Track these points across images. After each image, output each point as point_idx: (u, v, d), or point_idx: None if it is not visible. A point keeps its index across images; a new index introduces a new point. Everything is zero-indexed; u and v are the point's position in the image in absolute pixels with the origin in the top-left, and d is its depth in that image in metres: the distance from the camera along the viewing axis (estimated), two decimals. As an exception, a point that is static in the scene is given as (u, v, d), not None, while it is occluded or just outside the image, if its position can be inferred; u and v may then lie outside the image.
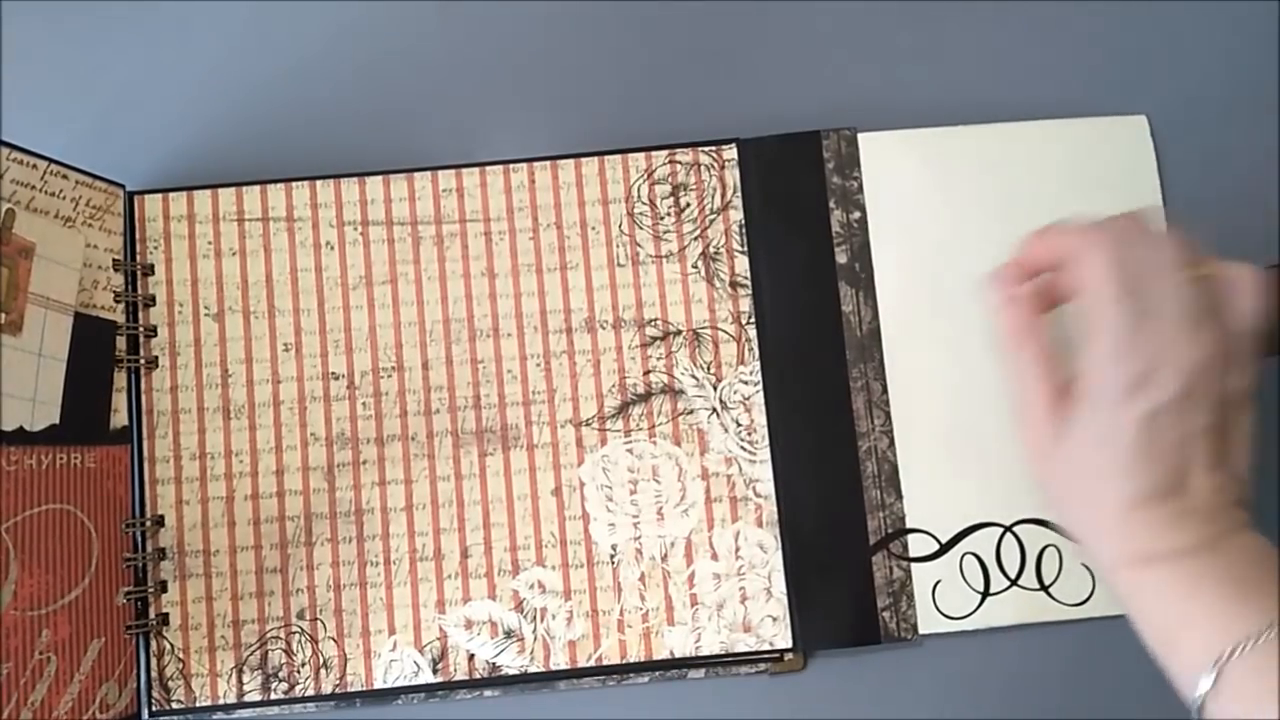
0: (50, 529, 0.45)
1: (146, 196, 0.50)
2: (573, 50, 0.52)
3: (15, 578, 0.44)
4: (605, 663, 0.47)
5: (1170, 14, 0.52)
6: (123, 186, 0.49)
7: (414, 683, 0.47)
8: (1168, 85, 0.51)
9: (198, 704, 0.47)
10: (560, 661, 0.47)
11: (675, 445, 0.48)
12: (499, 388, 0.49)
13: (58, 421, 0.45)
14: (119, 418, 0.48)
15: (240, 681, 0.47)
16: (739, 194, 0.50)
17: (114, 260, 0.48)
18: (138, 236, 0.49)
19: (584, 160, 0.50)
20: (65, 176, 0.46)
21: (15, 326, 0.44)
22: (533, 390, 0.49)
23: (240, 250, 0.49)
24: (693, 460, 0.48)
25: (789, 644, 0.47)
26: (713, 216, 0.50)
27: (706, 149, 0.50)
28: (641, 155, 0.50)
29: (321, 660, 0.47)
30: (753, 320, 0.49)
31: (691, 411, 0.48)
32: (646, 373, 0.49)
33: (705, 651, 0.47)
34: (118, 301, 0.48)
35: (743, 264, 0.49)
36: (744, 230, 0.49)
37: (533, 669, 0.47)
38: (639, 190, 0.50)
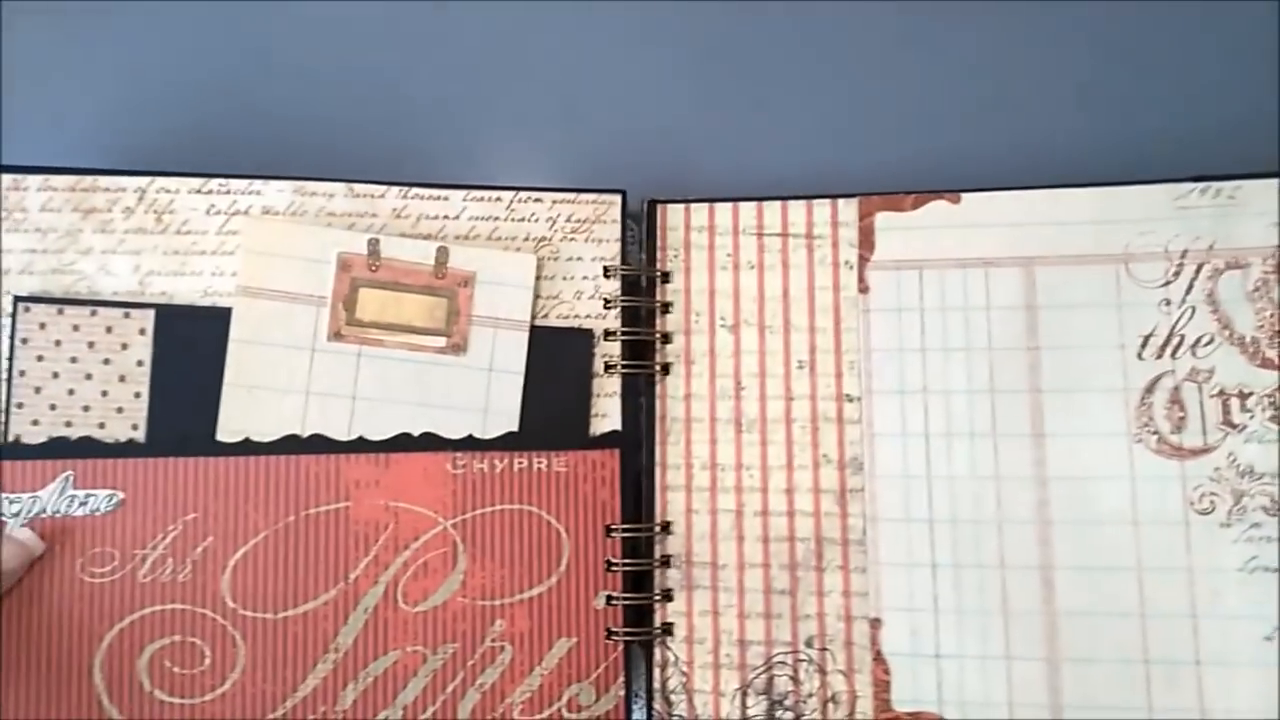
0: (504, 528, 0.48)
1: (669, 206, 0.52)
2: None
3: (464, 569, 0.47)
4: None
5: None
6: (623, 193, 0.51)
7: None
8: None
9: (699, 721, 0.47)
10: None
11: None
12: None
13: (516, 429, 0.49)
14: (605, 422, 0.50)
15: (744, 704, 0.47)
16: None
17: (605, 268, 0.50)
18: (658, 244, 0.51)
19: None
20: (539, 200, 0.51)
21: (459, 348, 0.49)
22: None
23: (758, 264, 0.50)
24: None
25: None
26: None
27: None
28: None
29: (830, 694, 0.46)
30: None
31: None
32: None
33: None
34: (608, 308, 0.50)
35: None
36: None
37: None
38: None
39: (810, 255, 0.50)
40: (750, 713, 0.46)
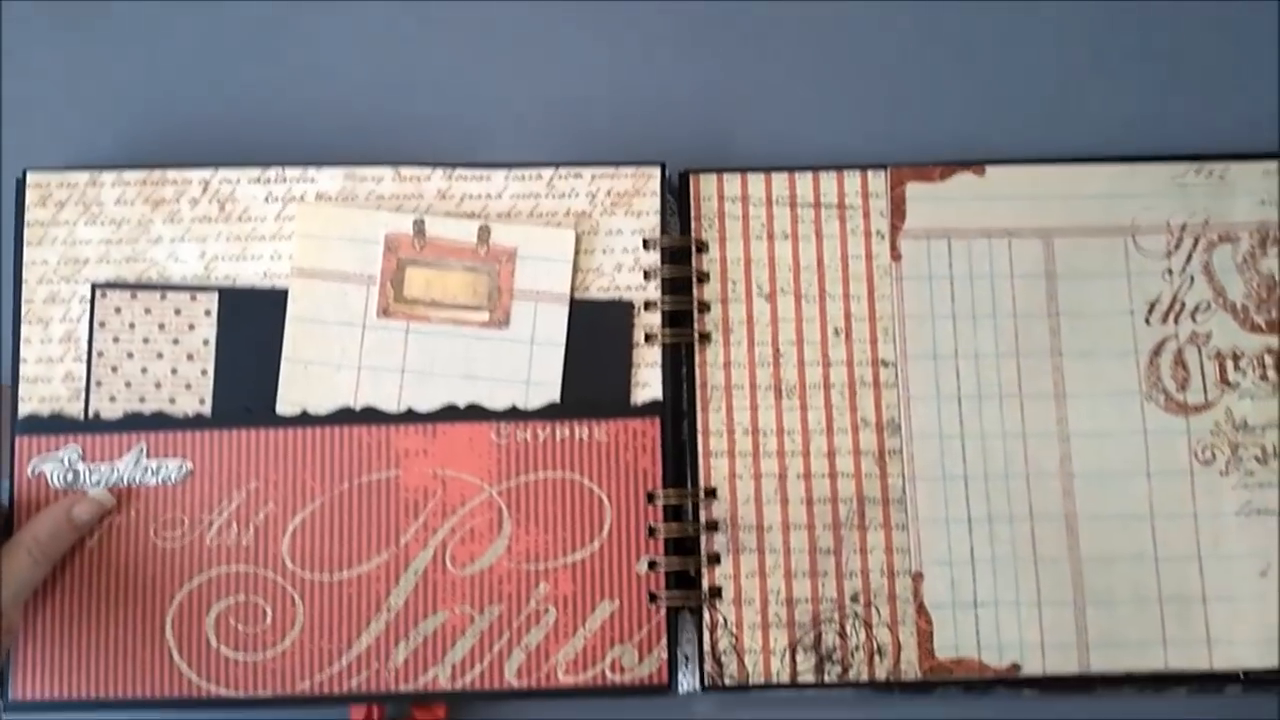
0: (548, 494, 0.52)
1: (701, 176, 0.56)
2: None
3: (509, 533, 0.52)
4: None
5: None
6: (662, 165, 0.55)
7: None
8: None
9: (750, 682, 0.51)
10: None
11: None
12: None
13: (558, 400, 0.53)
14: (646, 392, 0.54)
15: (794, 662, 0.51)
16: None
17: (644, 240, 0.55)
18: (692, 214, 0.55)
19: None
20: (579, 175, 0.55)
21: (501, 322, 0.53)
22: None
23: (793, 234, 0.55)
24: None
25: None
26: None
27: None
28: None
29: (875, 646, 0.51)
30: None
31: None
32: None
33: None
34: (648, 279, 0.54)
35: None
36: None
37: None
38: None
39: (843, 225, 0.55)
40: (800, 669, 0.51)
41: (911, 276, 0.54)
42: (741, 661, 0.52)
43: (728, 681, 0.51)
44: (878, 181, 0.55)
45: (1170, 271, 0.54)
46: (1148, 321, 0.53)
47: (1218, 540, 0.51)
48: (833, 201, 0.55)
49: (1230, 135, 0.56)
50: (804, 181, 0.56)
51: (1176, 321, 0.53)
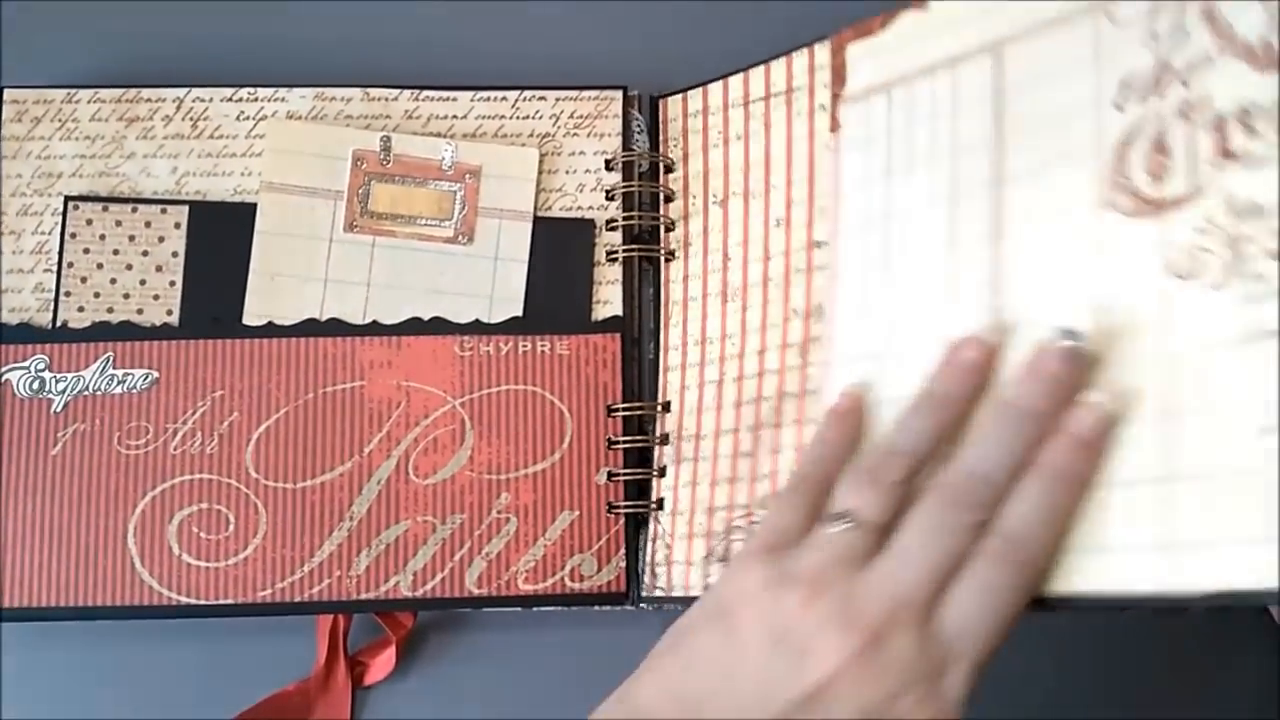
0: (510, 406, 0.53)
1: (668, 99, 0.56)
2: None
3: (471, 445, 0.53)
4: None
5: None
6: (624, 88, 0.56)
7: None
8: None
9: (673, 593, 0.50)
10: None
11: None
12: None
13: (520, 314, 0.54)
14: (606, 309, 0.55)
15: (707, 573, 0.49)
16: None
17: (606, 160, 0.56)
18: (661, 137, 0.56)
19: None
20: (543, 98, 0.56)
21: (466, 238, 0.55)
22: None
23: (744, 133, 0.53)
24: None
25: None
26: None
27: None
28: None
29: (784, 554, 0.47)
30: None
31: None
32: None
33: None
34: (609, 199, 0.55)
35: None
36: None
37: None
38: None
39: (789, 109, 0.51)
40: (710, 581, 0.48)
41: (849, 143, 0.48)
42: (670, 573, 0.50)
43: (657, 593, 0.50)
44: (823, 53, 0.50)
45: (1155, 35, 0.40)
46: (1119, 108, 0.41)
47: (1201, 384, 0.35)
48: (781, 89, 0.52)
49: None
50: (757, 77, 0.54)
51: (1161, 95, 0.40)
